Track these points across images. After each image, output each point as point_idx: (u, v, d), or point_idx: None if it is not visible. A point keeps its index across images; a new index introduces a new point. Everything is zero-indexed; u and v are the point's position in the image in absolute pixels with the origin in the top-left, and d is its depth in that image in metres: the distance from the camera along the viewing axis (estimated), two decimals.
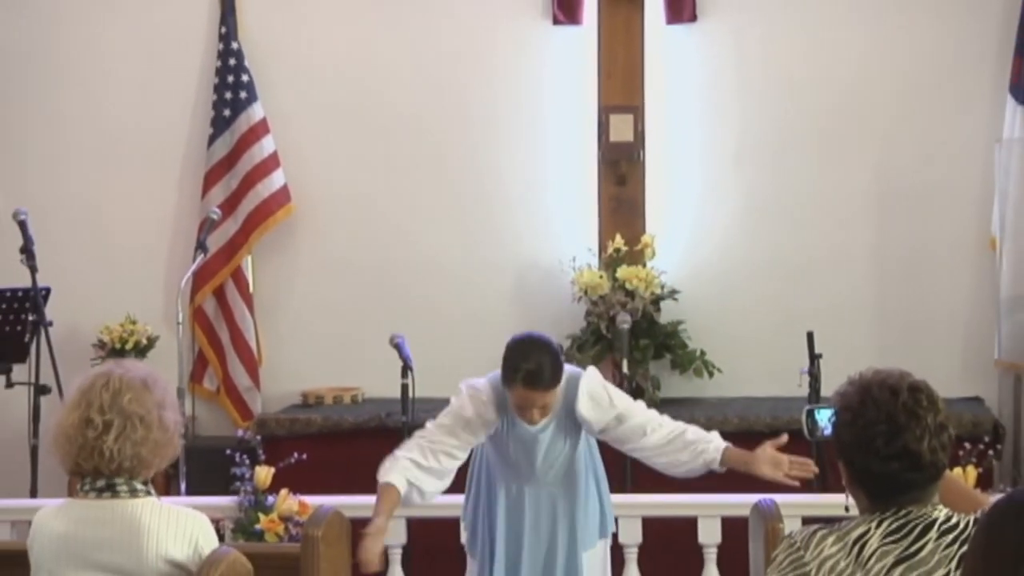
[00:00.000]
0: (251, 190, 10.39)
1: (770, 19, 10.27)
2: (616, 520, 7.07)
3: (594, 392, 6.31)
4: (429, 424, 6.41)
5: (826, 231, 10.20)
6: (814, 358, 8.22)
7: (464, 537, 6.87)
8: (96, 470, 4.60)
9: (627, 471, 8.27)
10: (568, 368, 6.33)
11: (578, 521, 6.45)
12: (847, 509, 3.90)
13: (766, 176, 10.23)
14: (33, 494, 8.70)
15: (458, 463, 6.37)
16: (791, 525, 5.42)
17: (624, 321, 8.87)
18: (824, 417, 4.36)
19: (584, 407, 6.29)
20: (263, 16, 10.56)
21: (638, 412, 6.36)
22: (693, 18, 10.25)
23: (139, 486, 4.63)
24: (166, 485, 8.74)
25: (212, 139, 10.48)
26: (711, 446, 6.34)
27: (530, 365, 6.10)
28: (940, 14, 10.11)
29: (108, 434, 4.56)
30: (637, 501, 7.61)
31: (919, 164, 10.15)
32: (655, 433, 6.34)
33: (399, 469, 6.26)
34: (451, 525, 7.12)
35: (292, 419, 9.83)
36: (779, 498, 5.81)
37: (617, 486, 8.03)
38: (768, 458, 6.31)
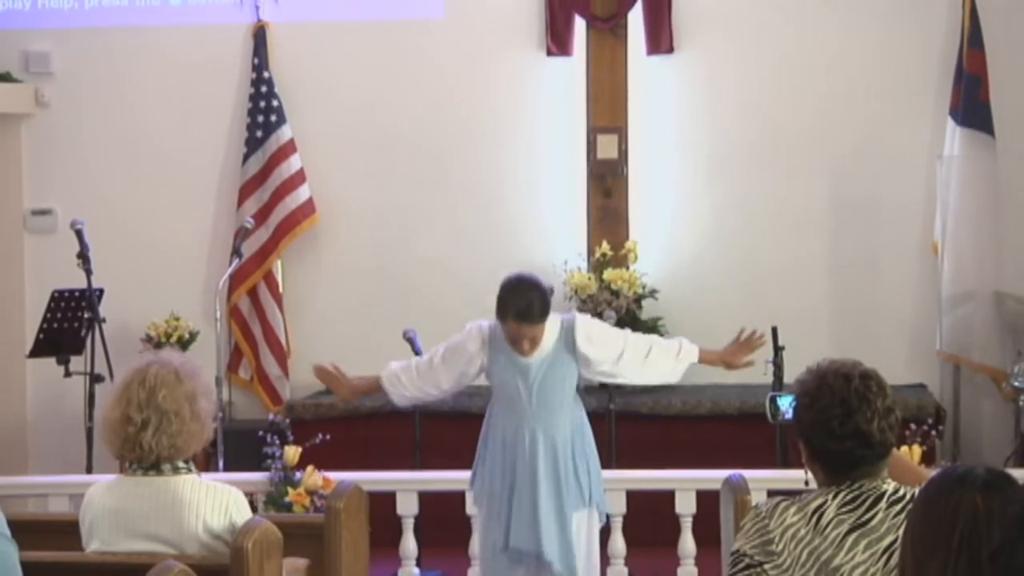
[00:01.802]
0: (280, 202, 10.38)
1: (738, 51, 10.27)
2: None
3: (591, 333, 6.38)
4: (429, 356, 6.58)
5: (789, 237, 10.19)
6: (778, 350, 8.20)
7: (470, 497, 6.82)
8: (138, 459, 4.59)
9: (613, 450, 8.27)
10: (560, 313, 6.40)
11: (562, 476, 6.38)
12: (806, 483, 3.89)
13: (735, 189, 10.23)
14: (88, 471, 8.68)
15: (441, 390, 6.51)
16: (757, 497, 5.42)
17: (610, 317, 8.88)
18: (785, 403, 4.36)
19: (584, 345, 6.32)
20: (291, 49, 10.56)
21: (630, 344, 6.46)
22: (670, 50, 10.24)
23: (180, 464, 4.63)
24: (206, 463, 8.72)
25: (246, 157, 10.47)
26: (688, 350, 6.56)
27: (521, 303, 6.21)
28: (889, 46, 10.11)
29: (146, 430, 4.54)
30: (622, 476, 7.60)
31: (870, 178, 10.15)
32: (650, 355, 6.47)
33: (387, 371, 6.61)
34: (459, 497, 7.12)
35: (317, 404, 9.82)
36: (747, 473, 5.81)
37: (603, 463, 8.04)
38: (732, 351, 6.66)
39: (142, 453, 4.56)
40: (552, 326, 6.36)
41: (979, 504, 2.86)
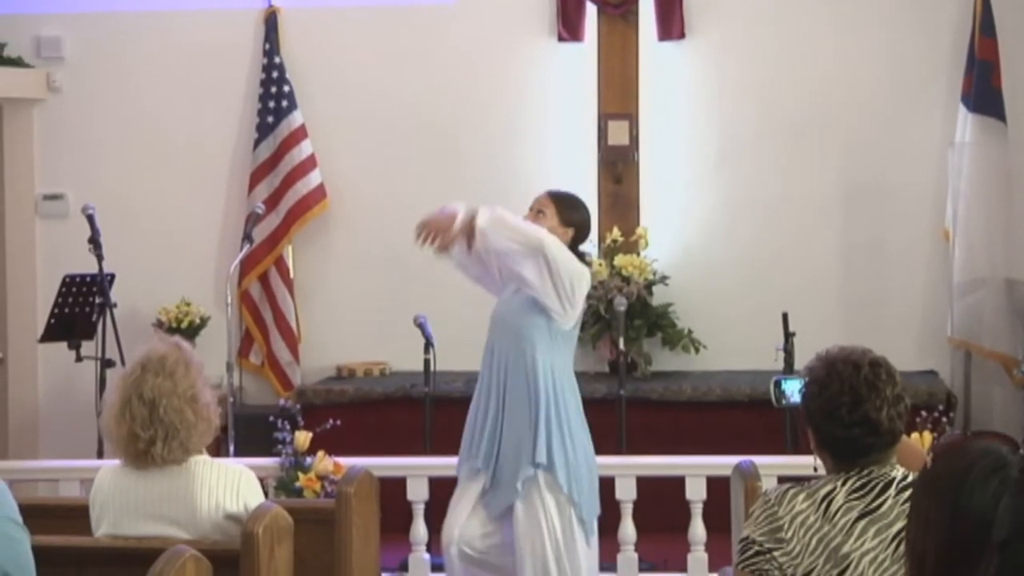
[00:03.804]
0: (291, 188, 10.39)
1: (749, 38, 10.26)
2: (613, 480, 7.09)
3: None
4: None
5: (799, 223, 10.18)
6: (788, 336, 8.22)
7: None
8: (154, 464, 4.59)
9: (623, 436, 8.27)
10: None
11: (519, 397, 6.34)
12: (815, 469, 3.90)
13: (745, 174, 10.22)
14: (99, 455, 8.69)
15: None
16: (767, 483, 5.41)
17: (621, 303, 8.85)
18: (790, 387, 4.36)
19: None
20: (302, 34, 10.56)
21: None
22: (682, 36, 10.23)
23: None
24: (216, 448, 8.74)
25: (257, 143, 10.48)
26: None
27: (564, 189, 6.59)
28: (901, 32, 10.10)
29: (155, 444, 4.54)
30: (631, 462, 7.62)
31: (882, 163, 10.14)
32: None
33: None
34: None
35: (328, 389, 9.85)
36: (757, 459, 5.81)
37: (613, 449, 8.05)
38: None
39: (155, 461, 4.57)
40: None
41: (1014, 531, 2.54)
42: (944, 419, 7.92)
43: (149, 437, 4.52)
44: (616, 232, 10.01)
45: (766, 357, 8.40)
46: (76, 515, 4.96)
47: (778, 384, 4.45)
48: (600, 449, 7.92)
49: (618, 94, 10.20)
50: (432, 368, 8.17)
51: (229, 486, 4.62)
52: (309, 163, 10.43)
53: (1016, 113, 9.80)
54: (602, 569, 7.66)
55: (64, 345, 9.21)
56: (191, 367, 4.64)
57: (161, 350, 4.67)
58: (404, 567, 7.63)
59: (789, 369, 7.98)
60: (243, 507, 4.61)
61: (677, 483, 7.42)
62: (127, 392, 4.58)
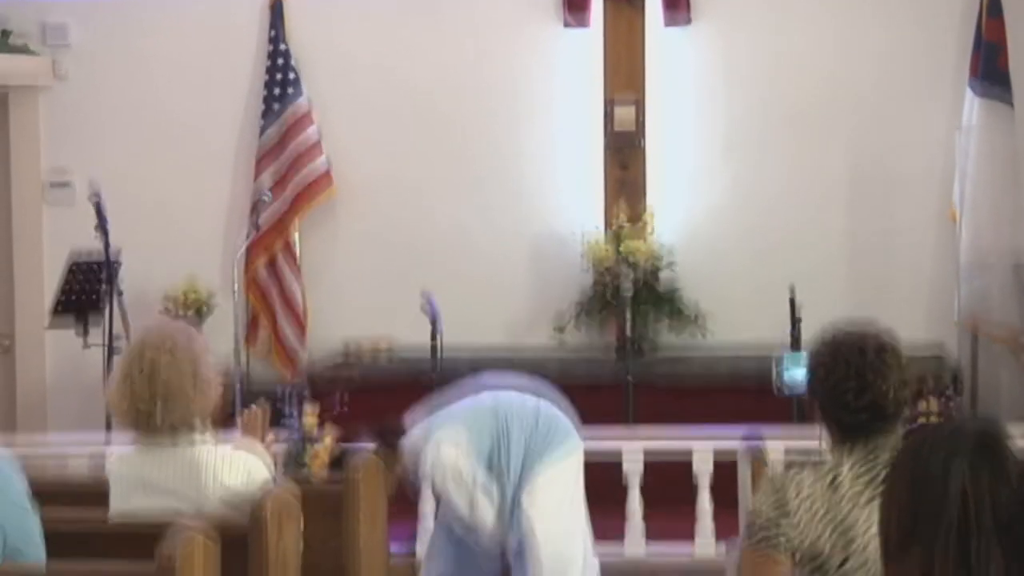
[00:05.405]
0: (298, 173, 10.40)
1: (755, 23, 10.25)
2: (620, 453, 7.10)
3: None
4: None
5: (806, 207, 10.18)
6: (795, 321, 8.21)
7: None
8: (156, 440, 4.61)
9: (630, 419, 8.29)
10: None
11: None
12: (821, 440, 3.92)
13: (752, 159, 10.22)
14: (107, 442, 8.72)
15: None
16: (774, 455, 5.43)
17: (627, 288, 8.87)
18: (793, 377, 4.36)
19: None
20: (308, 21, 10.56)
21: None
22: (688, 21, 10.23)
23: (197, 436, 4.64)
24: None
25: (263, 129, 10.49)
26: None
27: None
28: (908, 16, 10.08)
29: (155, 412, 4.55)
30: (639, 434, 7.62)
31: (889, 146, 10.14)
32: None
33: None
34: None
35: (334, 373, 9.85)
36: (765, 430, 5.82)
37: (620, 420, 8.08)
38: None
39: (158, 432, 4.58)
40: None
41: (968, 491, 2.56)
42: (951, 403, 7.92)
43: (150, 401, 4.54)
44: (622, 217, 10.00)
45: (773, 341, 8.41)
46: (84, 494, 4.97)
47: (780, 375, 4.46)
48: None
49: (624, 80, 10.20)
50: (439, 352, 8.18)
51: (236, 470, 4.62)
52: (315, 149, 10.44)
53: (1023, 96, 9.80)
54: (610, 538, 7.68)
55: (72, 331, 9.22)
56: (192, 340, 4.66)
57: (164, 326, 4.74)
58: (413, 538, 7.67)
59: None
60: (252, 485, 4.62)
61: (683, 467, 7.43)
62: (128, 364, 4.61)
